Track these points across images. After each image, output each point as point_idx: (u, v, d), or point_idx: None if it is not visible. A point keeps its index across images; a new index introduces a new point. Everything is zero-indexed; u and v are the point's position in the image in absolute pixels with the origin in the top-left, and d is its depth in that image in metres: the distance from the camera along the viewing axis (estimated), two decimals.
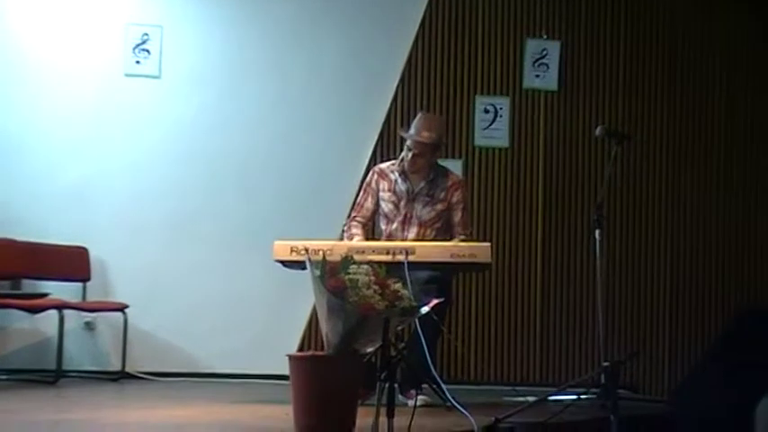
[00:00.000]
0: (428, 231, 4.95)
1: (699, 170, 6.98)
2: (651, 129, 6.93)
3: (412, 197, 4.98)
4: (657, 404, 5.56)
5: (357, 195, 5.23)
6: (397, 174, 5.03)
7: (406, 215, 4.97)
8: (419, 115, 5.12)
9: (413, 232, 4.94)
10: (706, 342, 6.59)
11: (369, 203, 5.07)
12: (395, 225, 4.97)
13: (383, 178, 5.06)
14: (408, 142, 4.96)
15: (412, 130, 4.96)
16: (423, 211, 4.96)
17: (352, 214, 5.12)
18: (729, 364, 4.65)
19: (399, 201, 4.99)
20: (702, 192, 6.97)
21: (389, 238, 4.93)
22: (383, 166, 5.18)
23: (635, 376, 6.59)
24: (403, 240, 4.85)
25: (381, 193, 5.03)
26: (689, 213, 6.96)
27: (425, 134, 4.91)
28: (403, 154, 5.02)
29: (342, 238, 5.19)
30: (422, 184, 4.98)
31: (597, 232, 4.41)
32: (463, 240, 4.85)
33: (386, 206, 5.02)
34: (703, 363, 5.46)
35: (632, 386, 6.34)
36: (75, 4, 6.69)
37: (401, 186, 5.00)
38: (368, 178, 5.14)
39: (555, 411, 4.06)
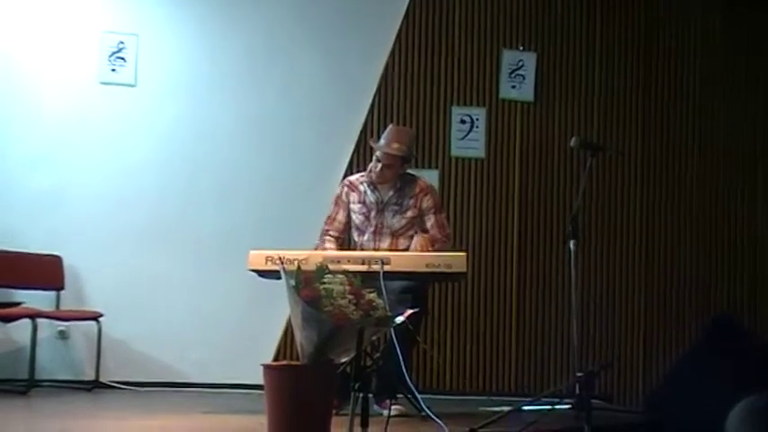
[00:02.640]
0: (400, 241, 4.95)
1: (673, 181, 7.04)
2: (626, 139, 6.98)
3: (381, 207, 4.98)
4: (631, 414, 5.58)
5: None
6: (366, 185, 5.03)
7: (377, 226, 4.97)
8: (390, 127, 5.14)
9: (385, 243, 4.94)
10: (680, 352, 6.62)
11: (341, 216, 5.07)
12: (366, 236, 4.98)
13: (353, 190, 5.06)
14: (378, 153, 4.96)
15: (382, 141, 4.97)
16: (393, 221, 4.96)
17: (325, 228, 5.10)
18: (702, 373, 4.67)
19: (369, 212, 4.99)
20: (676, 202, 7.03)
21: (362, 249, 4.92)
22: (353, 178, 5.19)
23: (609, 386, 6.62)
24: (376, 251, 4.84)
25: (352, 205, 5.03)
26: (663, 224, 7.01)
27: (395, 146, 4.92)
28: (371, 165, 5.02)
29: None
30: (390, 194, 4.99)
31: (572, 243, 4.43)
32: (436, 241, 4.85)
33: (356, 218, 5.02)
34: (676, 372, 5.48)
35: (607, 396, 6.37)
36: (50, 11, 6.65)
37: (370, 197, 5.00)
38: (338, 191, 5.14)
39: (529, 421, 4.06)
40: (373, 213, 4.98)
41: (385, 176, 4.96)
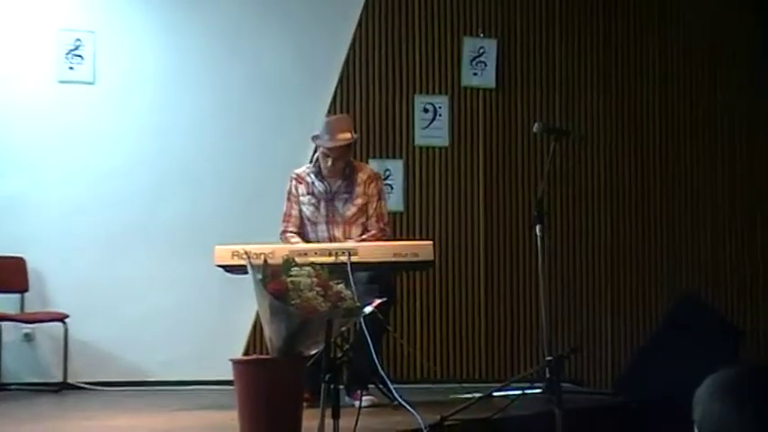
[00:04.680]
0: (353, 228, 4.96)
1: (636, 163, 7.10)
2: (588, 123, 7.03)
3: (330, 197, 4.97)
4: (601, 396, 5.63)
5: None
6: (313, 176, 5.01)
7: (328, 216, 4.96)
8: (326, 120, 5.11)
9: (339, 231, 4.94)
10: (647, 334, 6.69)
11: (295, 211, 5.04)
12: (320, 227, 4.97)
13: (300, 182, 5.04)
14: (324, 149, 4.93)
15: (326, 137, 4.93)
16: (344, 209, 4.96)
17: (283, 226, 5.05)
18: (669, 352, 4.72)
19: (319, 202, 4.98)
20: (640, 184, 7.09)
21: (318, 240, 4.91)
22: (299, 170, 5.14)
23: (579, 370, 6.67)
24: (331, 241, 4.84)
25: (301, 197, 5.01)
26: (627, 206, 7.07)
27: (341, 136, 4.91)
28: (318, 159, 4.99)
29: None
30: (338, 183, 4.98)
31: (538, 228, 4.45)
32: (373, 236, 4.85)
33: (306, 209, 4.99)
34: (644, 352, 5.54)
35: (576, 380, 6.41)
36: (4, 9, 6.55)
37: (318, 188, 4.99)
38: (288, 186, 5.08)
39: (500, 407, 4.08)
40: (323, 203, 4.97)
41: (338, 169, 4.95)
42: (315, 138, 5.09)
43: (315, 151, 5.20)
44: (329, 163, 4.91)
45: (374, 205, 5.00)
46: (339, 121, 5.06)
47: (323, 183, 4.98)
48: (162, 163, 6.61)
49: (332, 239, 4.88)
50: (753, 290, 7.15)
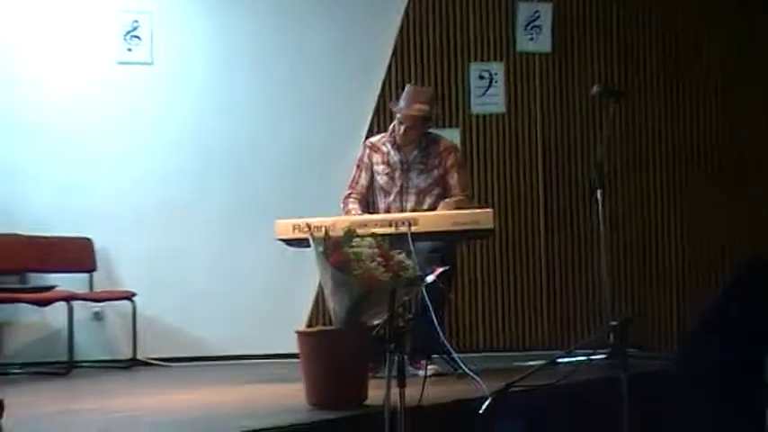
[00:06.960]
0: (426, 199, 4.95)
1: (696, 123, 6.96)
2: (647, 85, 6.90)
3: (406, 167, 4.98)
4: (666, 361, 5.57)
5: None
6: (389, 145, 5.03)
7: (402, 186, 4.97)
8: (408, 88, 5.13)
9: (411, 202, 4.94)
10: (713, 298, 6.58)
11: (363, 179, 5.07)
12: (392, 197, 4.98)
13: (375, 152, 5.06)
14: (399, 116, 4.96)
15: (402, 104, 4.97)
16: (418, 180, 4.96)
17: (347, 191, 5.09)
18: (734, 316, 4.64)
19: (394, 172, 4.99)
20: (702, 144, 6.95)
21: (388, 211, 4.93)
22: (374, 139, 5.19)
23: (643, 335, 6.60)
24: (402, 212, 4.84)
25: (375, 167, 5.03)
26: (690, 167, 6.94)
27: (416, 107, 4.92)
28: (394, 126, 5.01)
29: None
30: (414, 153, 4.99)
31: (598, 192, 4.41)
32: (460, 200, 4.84)
33: (381, 179, 5.01)
34: (709, 315, 5.46)
35: (641, 345, 6.35)
36: None
37: (394, 158, 5.00)
38: (360, 153, 5.14)
39: (565, 373, 4.06)
40: (398, 173, 4.98)
41: (409, 138, 4.96)
42: (393, 103, 5.17)
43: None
44: (401, 131, 4.94)
45: (455, 177, 4.99)
46: (418, 93, 5.08)
47: (398, 153, 5.00)
48: (218, 139, 6.66)
49: (402, 210, 4.89)
50: None
